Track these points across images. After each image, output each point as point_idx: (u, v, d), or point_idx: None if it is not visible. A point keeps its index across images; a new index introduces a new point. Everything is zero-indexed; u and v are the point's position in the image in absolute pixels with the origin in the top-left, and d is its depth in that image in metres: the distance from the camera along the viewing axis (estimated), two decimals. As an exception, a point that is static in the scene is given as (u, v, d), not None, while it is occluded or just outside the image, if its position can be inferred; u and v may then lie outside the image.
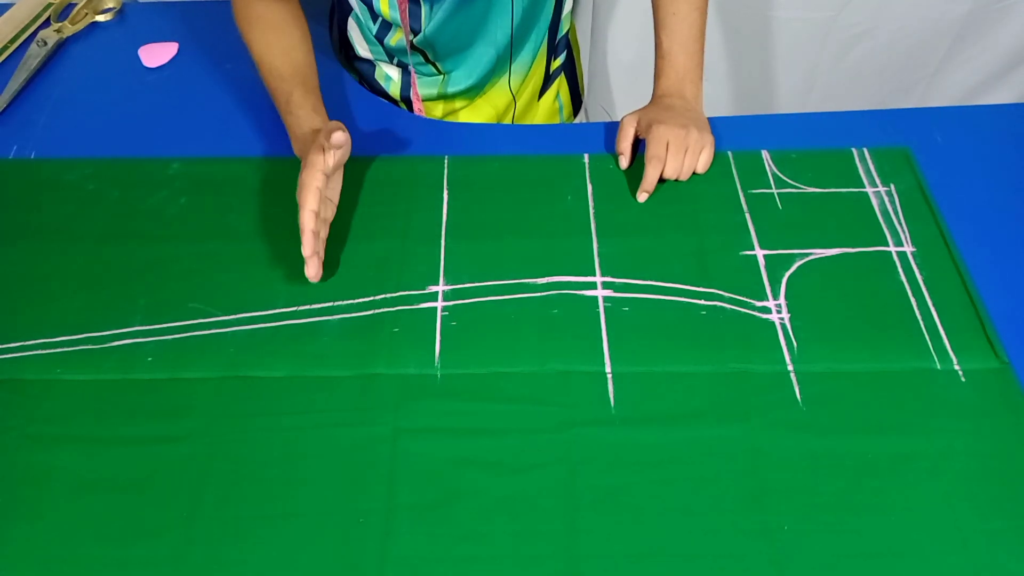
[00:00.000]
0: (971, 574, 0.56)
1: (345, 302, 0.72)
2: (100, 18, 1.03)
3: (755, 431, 0.64)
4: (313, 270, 0.70)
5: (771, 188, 0.81)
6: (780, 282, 0.73)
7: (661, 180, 0.81)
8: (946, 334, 0.69)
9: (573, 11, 0.99)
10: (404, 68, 0.94)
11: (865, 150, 0.84)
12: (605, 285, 0.73)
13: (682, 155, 0.80)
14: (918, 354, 0.68)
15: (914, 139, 0.85)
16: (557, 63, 1.00)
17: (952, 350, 0.68)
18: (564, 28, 0.97)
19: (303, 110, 0.78)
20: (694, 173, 0.81)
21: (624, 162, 0.82)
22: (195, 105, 0.92)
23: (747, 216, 0.78)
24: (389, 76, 0.95)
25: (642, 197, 0.80)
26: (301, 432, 0.64)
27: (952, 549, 0.57)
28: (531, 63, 0.96)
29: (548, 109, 1.04)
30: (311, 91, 0.80)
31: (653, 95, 0.86)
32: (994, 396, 0.65)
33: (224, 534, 0.59)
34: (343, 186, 0.78)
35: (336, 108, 0.90)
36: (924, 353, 0.68)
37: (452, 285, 0.73)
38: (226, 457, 0.63)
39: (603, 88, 1.46)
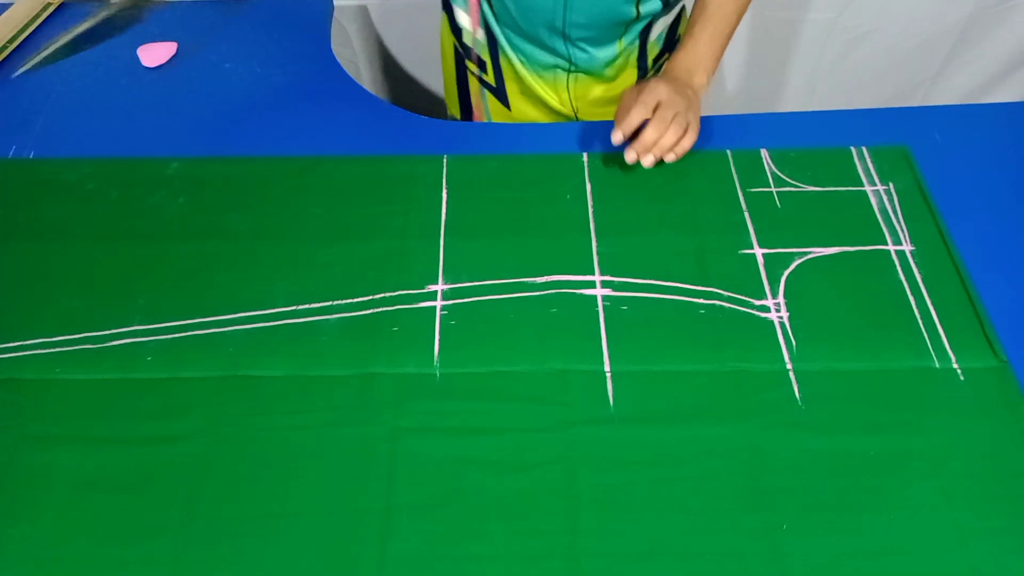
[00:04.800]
0: (969, 572, 0.56)
1: (344, 301, 0.72)
2: None
3: (754, 430, 0.64)
4: None
5: (770, 187, 0.81)
6: (779, 281, 0.73)
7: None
8: (945, 333, 0.69)
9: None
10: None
11: (864, 149, 0.84)
12: (604, 284, 0.73)
13: (667, 123, 0.78)
14: (917, 353, 0.68)
15: (913, 138, 0.85)
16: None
17: (951, 349, 0.68)
18: (650, 53, 0.96)
19: None
20: (689, 170, 0.81)
21: (618, 137, 0.79)
22: (194, 105, 0.92)
23: (746, 215, 0.78)
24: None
25: (630, 156, 0.78)
26: (300, 432, 0.64)
27: (950, 547, 0.57)
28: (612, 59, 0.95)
29: None
30: None
31: (662, 68, 0.86)
32: (992, 395, 0.65)
33: (224, 534, 0.59)
34: (341, 185, 0.78)
35: (336, 107, 0.90)
36: (923, 352, 0.68)
37: (451, 284, 0.73)
38: (225, 457, 0.63)
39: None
